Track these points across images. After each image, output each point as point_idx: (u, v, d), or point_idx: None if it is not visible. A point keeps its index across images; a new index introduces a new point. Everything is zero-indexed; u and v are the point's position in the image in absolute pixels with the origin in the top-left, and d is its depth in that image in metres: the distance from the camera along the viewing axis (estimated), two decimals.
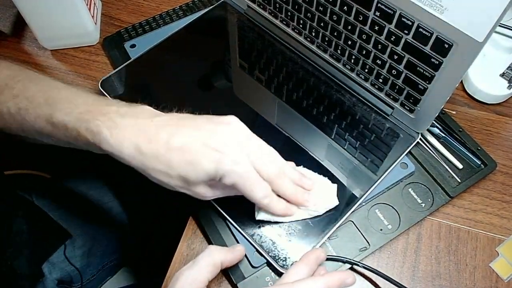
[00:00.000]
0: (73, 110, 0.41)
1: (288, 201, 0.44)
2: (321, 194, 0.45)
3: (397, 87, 0.49)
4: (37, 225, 0.63)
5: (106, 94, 0.54)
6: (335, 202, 0.46)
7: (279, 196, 0.43)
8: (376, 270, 0.43)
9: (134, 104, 0.42)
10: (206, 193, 0.42)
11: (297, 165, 0.47)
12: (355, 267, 0.44)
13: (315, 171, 0.47)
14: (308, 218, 0.45)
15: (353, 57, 0.51)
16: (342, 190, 0.47)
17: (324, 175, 0.47)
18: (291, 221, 0.45)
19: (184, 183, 0.40)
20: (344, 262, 0.44)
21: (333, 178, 0.48)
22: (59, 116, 0.41)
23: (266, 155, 0.42)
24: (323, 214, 0.45)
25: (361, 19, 0.46)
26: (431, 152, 0.51)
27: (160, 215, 0.78)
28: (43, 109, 0.42)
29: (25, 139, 0.46)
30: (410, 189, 0.49)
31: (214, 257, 0.39)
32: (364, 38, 0.48)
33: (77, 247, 0.66)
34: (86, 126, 0.39)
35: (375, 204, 0.48)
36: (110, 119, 0.39)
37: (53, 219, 0.65)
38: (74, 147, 0.43)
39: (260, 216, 0.44)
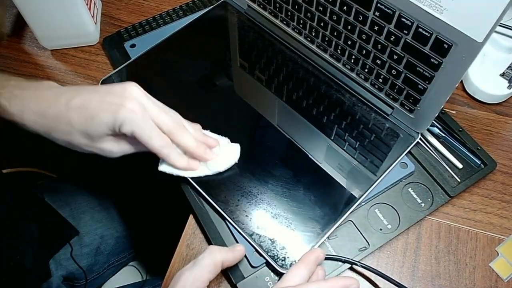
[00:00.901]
0: None
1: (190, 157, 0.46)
2: (223, 151, 0.48)
3: (397, 87, 0.49)
4: (46, 222, 0.64)
5: None
6: (235, 158, 0.48)
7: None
8: (376, 269, 0.43)
9: (35, 79, 0.45)
10: (113, 148, 0.44)
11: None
12: (354, 267, 0.44)
13: (313, 173, 0.47)
14: (210, 175, 0.47)
15: (353, 57, 0.51)
16: (341, 190, 0.47)
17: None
18: (193, 176, 0.46)
19: (88, 140, 0.42)
20: (344, 262, 0.44)
21: (330, 180, 0.48)
22: None
23: (164, 110, 0.44)
24: (224, 171, 0.48)
25: (360, 19, 0.46)
26: (431, 152, 0.51)
27: (160, 214, 0.78)
28: None
29: None
30: (409, 189, 0.49)
31: (215, 257, 0.39)
32: (364, 38, 0.48)
33: (84, 245, 0.67)
34: None
35: (374, 204, 0.48)
36: (8, 91, 0.43)
37: (62, 215, 0.66)
38: None
39: (162, 167, 0.46)
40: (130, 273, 0.78)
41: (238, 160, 0.48)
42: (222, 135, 0.49)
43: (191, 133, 0.45)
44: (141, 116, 0.41)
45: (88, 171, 0.76)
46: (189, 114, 0.47)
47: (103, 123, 0.41)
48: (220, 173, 0.48)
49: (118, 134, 0.43)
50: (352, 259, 0.44)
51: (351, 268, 0.45)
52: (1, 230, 0.56)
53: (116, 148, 0.44)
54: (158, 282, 0.69)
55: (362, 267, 0.44)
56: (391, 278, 0.43)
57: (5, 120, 0.43)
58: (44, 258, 0.61)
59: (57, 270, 0.63)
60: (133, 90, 0.43)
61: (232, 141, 0.49)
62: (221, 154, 0.47)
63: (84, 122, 0.42)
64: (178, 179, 0.47)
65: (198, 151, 0.45)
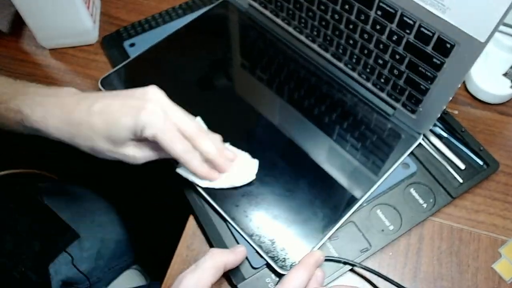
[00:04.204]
0: None
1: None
2: (241, 166, 0.47)
3: (398, 87, 0.48)
4: (46, 225, 0.63)
5: None
6: (253, 175, 0.47)
7: None
8: (376, 271, 0.43)
9: (53, 85, 0.45)
10: (135, 153, 0.43)
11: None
12: (355, 268, 0.44)
13: (314, 173, 0.47)
14: (226, 188, 0.46)
15: (355, 56, 0.51)
16: (342, 190, 0.47)
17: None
18: (207, 186, 0.46)
19: (111, 145, 0.42)
20: (344, 264, 0.44)
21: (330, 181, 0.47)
22: None
23: (186, 116, 0.43)
24: (240, 186, 0.47)
25: (362, 18, 0.46)
26: (433, 152, 0.50)
27: (160, 216, 0.78)
28: None
29: None
30: (411, 190, 0.48)
31: (217, 260, 0.39)
32: (366, 37, 0.47)
33: (85, 249, 0.66)
34: (6, 106, 0.42)
35: (376, 205, 0.47)
36: (30, 98, 0.43)
37: (62, 219, 0.65)
38: (5, 128, 0.45)
39: (180, 170, 0.45)
40: (132, 277, 0.78)
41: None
42: (221, 134, 0.49)
43: (212, 141, 0.45)
44: (162, 119, 0.41)
45: (89, 174, 0.76)
46: (189, 113, 0.46)
47: (125, 127, 0.41)
48: (235, 188, 0.47)
49: (141, 139, 0.42)
50: (352, 261, 0.43)
51: (352, 270, 0.44)
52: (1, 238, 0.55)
53: (139, 153, 0.44)
54: (157, 283, 0.68)
55: (362, 268, 0.43)
56: (392, 280, 0.43)
57: (26, 128, 0.43)
58: (44, 264, 0.61)
59: (56, 275, 0.62)
60: (155, 93, 0.43)
61: (233, 142, 0.49)
62: (239, 168, 0.46)
63: (106, 127, 0.41)
64: (184, 184, 0.47)
65: (219, 160, 0.44)
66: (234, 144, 0.48)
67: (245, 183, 0.47)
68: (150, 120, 0.40)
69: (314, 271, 0.40)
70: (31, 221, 0.61)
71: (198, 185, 0.46)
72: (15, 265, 0.55)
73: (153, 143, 0.42)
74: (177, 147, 0.42)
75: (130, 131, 0.41)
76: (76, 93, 0.44)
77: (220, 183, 0.46)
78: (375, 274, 0.43)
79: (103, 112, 0.41)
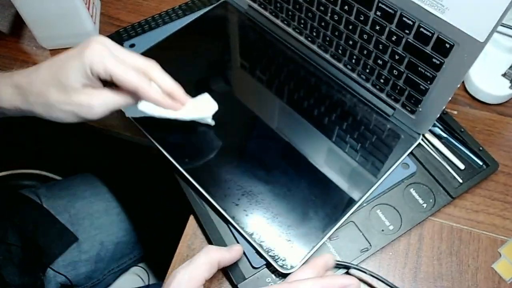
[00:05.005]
0: None
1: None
2: (200, 101, 0.48)
3: (398, 88, 0.49)
4: (45, 228, 0.63)
5: None
6: (215, 108, 0.48)
7: None
8: (373, 273, 0.43)
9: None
10: (91, 101, 0.42)
11: None
12: (352, 269, 0.44)
13: (314, 173, 0.47)
14: (196, 118, 0.47)
15: (354, 57, 0.51)
16: (342, 190, 0.47)
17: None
18: (176, 117, 0.46)
19: (64, 94, 0.41)
20: (339, 267, 0.44)
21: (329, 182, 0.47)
22: None
23: (132, 53, 0.43)
24: (211, 119, 0.49)
25: (362, 19, 0.46)
26: (433, 153, 0.50)
27: (160, 216, 0.78)
28: None
29: None
30: (411, 190, 0.48)
31: (211, 256, 0.39)
32: (365, 38, 0.48)
33: (84, 251, 0.66)
34: None
35: (376, 205, 0.47)
36: None
37: (61, 222, 0.65)
38: None
39: (142, 106, 0.44)
40: (133, 278, 0.77)
41: (239, 158, 0.48)
42: (221, 134, 0.49)
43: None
44: (109, 53, 0.41)
45: (88, 175, 0.76)
46: None
47: (73, 68, 0.40)
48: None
49: (94, 84, 0.42)
50: (350, 263, 0.43)
51: (347, 273, 0.44)
52: None
53: (94, 100, 0.42)
54: (157, 284, 0.68)
55: (357, 269, 0.43)
56: (387, 280, 0.43)
57: None
58: (40, 266, 0.60)
59: (55, 278, 0.62)
60: (98, 36, 0.42)
61: (234, 141, 0.49)
62: (198, 103, 0.47)
63: (55, 74, 0.41)
64: (184, 184, 0.46)
65: (173, 89, 0.44)
66: (233, 144, 0.49)
67: (205, 116, 0.48)
68: (97, 55, 0.40)
69: (322, 273, 0.40)
70: (29, 224, 0.61)
71: (160, 117, 0.45)
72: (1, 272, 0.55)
73: (107, 89, 0.42)
74: (132, 76, 0.41)
75: (79, 72, 0.40)
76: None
77: (183, 113, 0.46)
78: (373, 275, 0.43)
79: (49, 65, 0.42)
